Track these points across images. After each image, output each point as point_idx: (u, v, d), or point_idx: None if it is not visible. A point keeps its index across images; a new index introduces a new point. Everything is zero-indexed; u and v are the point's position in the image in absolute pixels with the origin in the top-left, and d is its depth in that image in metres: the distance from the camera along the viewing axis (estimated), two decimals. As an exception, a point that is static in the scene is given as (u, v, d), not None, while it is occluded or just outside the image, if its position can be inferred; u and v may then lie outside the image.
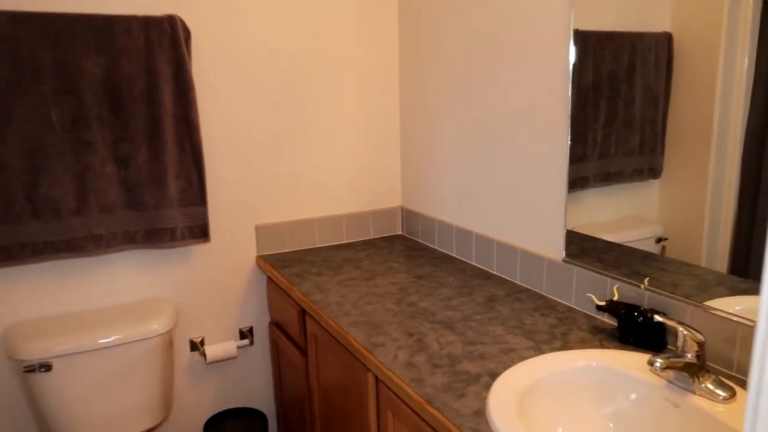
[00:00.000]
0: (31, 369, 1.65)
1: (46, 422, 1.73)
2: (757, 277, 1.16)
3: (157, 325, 1.80)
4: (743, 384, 1.14)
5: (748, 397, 0.46)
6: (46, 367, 1.66)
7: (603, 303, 1.41)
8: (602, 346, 1.34)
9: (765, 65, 1.09)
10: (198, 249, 2.03)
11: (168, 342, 1.86)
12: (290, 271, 1.94)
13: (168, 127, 1.81)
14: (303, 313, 1.80)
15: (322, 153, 2.19)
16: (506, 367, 1.25)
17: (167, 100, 1.80)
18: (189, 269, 2.02)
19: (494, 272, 1.86)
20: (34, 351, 1.65)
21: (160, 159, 1.81)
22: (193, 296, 2.05)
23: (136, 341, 1.77)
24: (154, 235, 1.85)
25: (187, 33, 1.83)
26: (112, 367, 1.75)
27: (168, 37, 1.77)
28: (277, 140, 2.10)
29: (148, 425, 1.87)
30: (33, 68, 1.63)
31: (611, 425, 1.19)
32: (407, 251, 2.14)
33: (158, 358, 1.83)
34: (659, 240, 1.35)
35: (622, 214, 1.44)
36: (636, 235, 1.41)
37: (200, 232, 1.92)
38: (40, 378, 1.67)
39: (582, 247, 1.54)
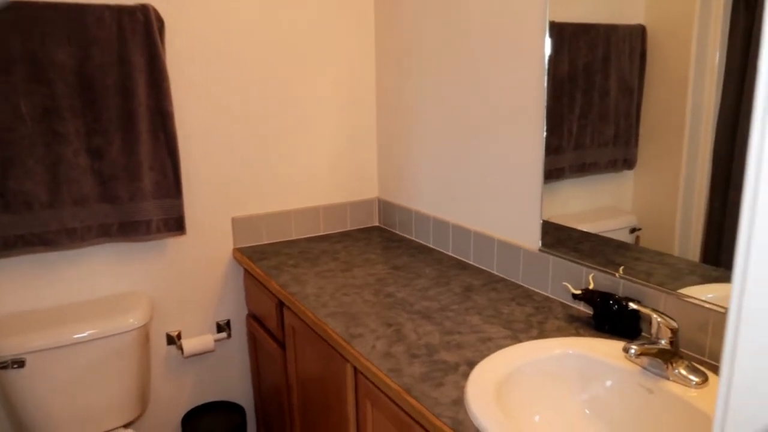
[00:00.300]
0: (3, 365, 1.62)
1: (19, 419, 1.70)
2: (728, 266, 1.18)
3: (133, 319, 1.78)
4: (715, 369, 1.16)
5: (720, 382, 0.48)
6: (19, 363, 1.64)
7: (579, 292, 1.43)
8: (578, 334, 1.36)
9: (735, 59, 1.11)
10: (174, 242, 2.01)
11: (144, 336, 1.84)
12: (267, 263, 1.93)
13: (142, 118, 1.78)
14: (280, 305, 1.79)
15: (299, 145, 2.18)
16: (484, 356, 1.27)
17: (141, 91, 1.77)
18: (165, 262, 2.00)
19: (471, 262, 1.88)
20: (6, 347, 1.62)
21: (134, 150, 1.79)
22: (169, 289, 2.03)
23: (111, 336, 1.75)
24: (129, 228, 1.83)
25: (161, 22, 1.80)
26: (87, 362, 1.73)
27: (141, 27, 1.75)
28: (253, 132, 2.08)
29: (125, 420, 1.85)
30: (1, 57, 1.59)
31: (587, 411, 1.21)
32: (384, 242, 2.14)
33: (134, 352, 1.81)
34: (633, 230, 1.37)
35: (597, 204, 1.46)
36: (611, 225, 1.43)
37: (176, 225, 1.90)
38: (13, 374, 1.64)
39: (558, 237, 1.56)
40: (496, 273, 1.77)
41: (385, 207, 2.33)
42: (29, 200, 1.67)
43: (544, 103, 1.55)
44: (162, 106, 1.81)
